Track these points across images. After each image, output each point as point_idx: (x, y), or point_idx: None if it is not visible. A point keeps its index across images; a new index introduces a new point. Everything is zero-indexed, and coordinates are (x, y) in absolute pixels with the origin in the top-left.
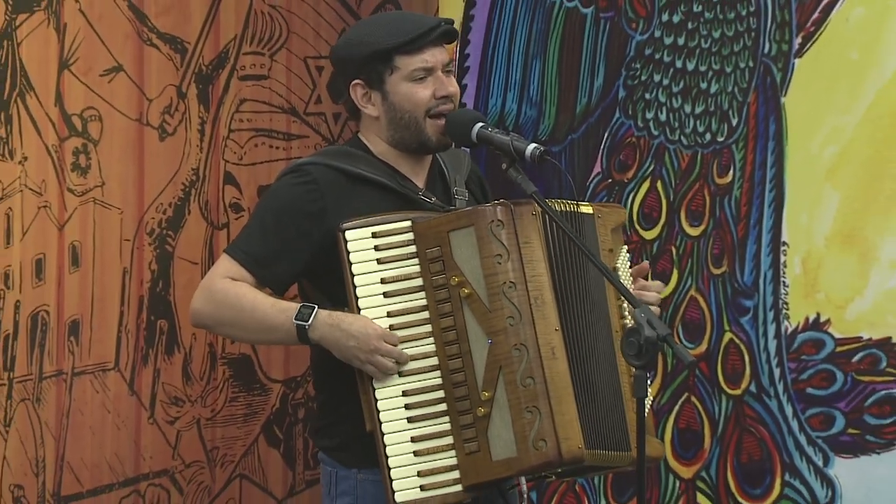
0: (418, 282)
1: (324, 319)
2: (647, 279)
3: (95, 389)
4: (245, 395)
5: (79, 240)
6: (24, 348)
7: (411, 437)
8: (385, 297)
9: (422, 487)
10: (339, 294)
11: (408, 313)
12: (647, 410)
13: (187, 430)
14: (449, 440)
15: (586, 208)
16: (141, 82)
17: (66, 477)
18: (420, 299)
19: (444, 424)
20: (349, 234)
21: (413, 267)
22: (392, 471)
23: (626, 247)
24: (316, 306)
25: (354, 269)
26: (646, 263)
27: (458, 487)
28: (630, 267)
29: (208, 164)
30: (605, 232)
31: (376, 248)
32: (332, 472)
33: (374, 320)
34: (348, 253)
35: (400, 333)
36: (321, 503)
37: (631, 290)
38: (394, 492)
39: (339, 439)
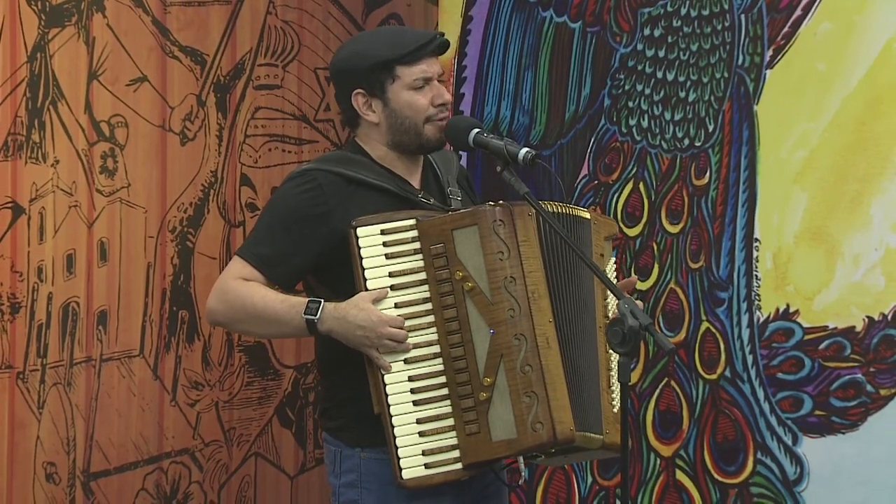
0: (423, 276)
1: (330, 313)
2: (631, 293)
3: (122, 374)
4: (260, 380)
5: (106, 237)
6: (56, 336)
7: (416, 419)
8: (392, 289)
9: (426, 466)
10: (343, 289)
11: (413, 304)
12: (618, 403)
13: (206, 412)
14: (451, 422)
15: (584, 213)
16: (164, 91)
17: (94, 455)
18: (424, 292)
19: (446, 407)
20: (360, 231)
21: (418, 262)
22: (399, 450)
23: (613, 259)
24: (322, 300)
25: (365, 263)
26: (634, 278)
27: (459, 466)
28: (617, 277)
29: (226, 166)
30: (599, 239)
31: (384, 245)
32: (337, 452)
33: (383, 311)
34: (359, 248)
35: (406, 323)
36: (327, 481)
37: None
38: (401, 469)
39: (342, 421)
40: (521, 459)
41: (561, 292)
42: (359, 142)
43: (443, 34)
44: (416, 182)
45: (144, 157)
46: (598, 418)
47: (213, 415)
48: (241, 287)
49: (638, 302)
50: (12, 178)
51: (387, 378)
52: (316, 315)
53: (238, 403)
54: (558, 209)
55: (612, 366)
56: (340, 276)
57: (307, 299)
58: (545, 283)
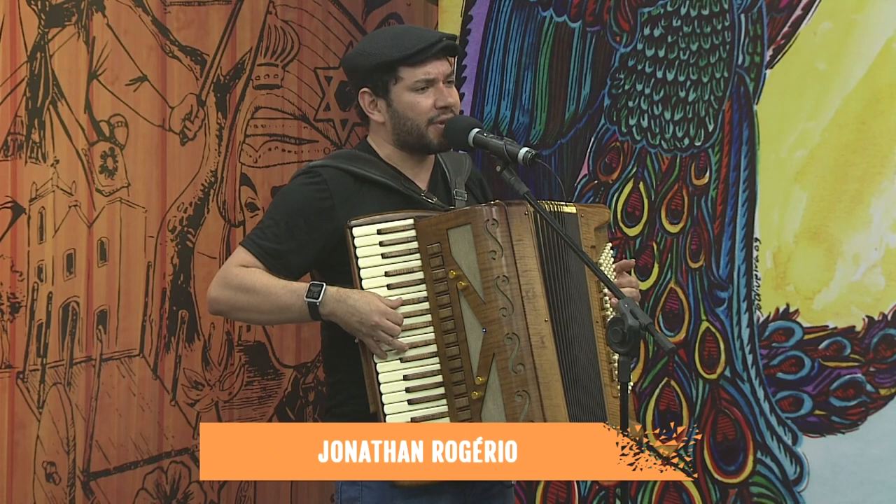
0: (419, 275)
1: (332, 295)
2: (630, 274)
3: (122, 374)
4: (260, 380)
5: (106, 236)
6: (56, 336)
7: (411, 419)
8: (389, 289)
9: None
10: (346, 285)
11: (409, 304)
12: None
13: (206, 412)
14: (446, 421)
15: (569, 208)
16: (164, 91)
17: (94, 455)
18: (421, 291)
19: (442, 407)
20: (356, 231)
21: (415, 262)
22: None
23: (609, 244)
24: (324, 284)
25: (360, 262)
26: (632, 261)
27: None
28: (614, 262)
29: (226, 166)
30: (588, 230)
31: (381, 244)
32: None
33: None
34: (355, 248)
35: (403, 323)
36: (328, 481)
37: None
38: None
39: (345, 419)
40: None
41: (557, 291)
42: (369, 141)
43: (453, 37)
44: (423, 182)
45: (144, 157)
46: (603, 415)
47: (213, 414)
48: (243, 274)
49: (629, 290)
50: (12, 178)
51: (382, 377)
52: (318, 298)
53: (238, 403)
54: (545, 207)
55: (613, 359)
56: (343, 273)
57: (309, 283)
58: (541, 283)
